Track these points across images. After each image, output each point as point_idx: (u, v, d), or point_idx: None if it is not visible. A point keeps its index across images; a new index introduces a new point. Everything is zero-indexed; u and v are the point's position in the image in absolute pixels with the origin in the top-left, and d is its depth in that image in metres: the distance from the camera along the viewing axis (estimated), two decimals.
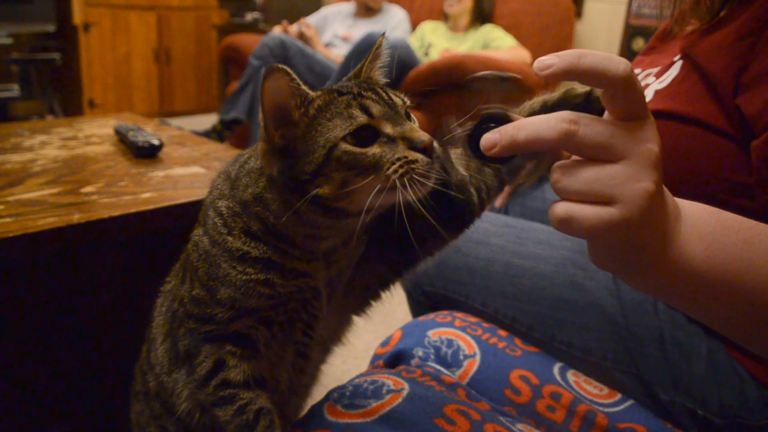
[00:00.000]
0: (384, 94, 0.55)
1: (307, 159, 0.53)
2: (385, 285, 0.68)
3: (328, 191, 0.52)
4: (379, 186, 0.51)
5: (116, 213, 0.92)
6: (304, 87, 0.53)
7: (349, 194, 0.52)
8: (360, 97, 0.54)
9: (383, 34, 0.66)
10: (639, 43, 3.14)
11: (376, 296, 0.69)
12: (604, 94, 0.43)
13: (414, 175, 0.51)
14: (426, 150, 0.52)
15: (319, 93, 0.54)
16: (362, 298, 0.69)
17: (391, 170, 0.51)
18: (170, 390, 0.69)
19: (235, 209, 0.60)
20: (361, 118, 0.52)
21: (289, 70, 0.51)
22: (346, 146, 0.51)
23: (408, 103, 0.57)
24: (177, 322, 0.68)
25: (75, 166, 1.18)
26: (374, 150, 0.52)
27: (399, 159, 0.51)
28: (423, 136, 0.52)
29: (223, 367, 0.62)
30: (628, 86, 0.41)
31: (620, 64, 0.41)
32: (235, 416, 0.60)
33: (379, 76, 0.63)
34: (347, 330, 0.73)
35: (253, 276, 0.59)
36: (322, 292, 0.63)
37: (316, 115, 0.53)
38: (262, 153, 0.56)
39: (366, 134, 0.52)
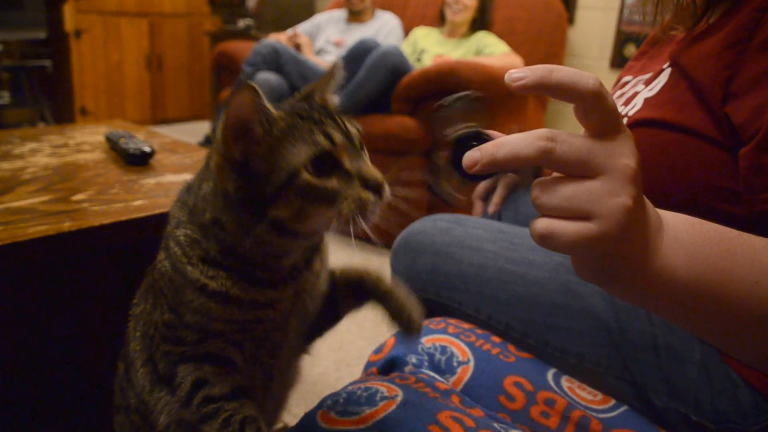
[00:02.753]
0: (341, 123, 0.57)
1: (268, 179, 0.54)
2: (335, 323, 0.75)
3: (286, 215, 0.55)
4: (332, 217, 0.55)
5: (107, 221, 0.91)
6: (270, 106, 0.54)
7: (304, 220, 0.55)
8: (321, 123, 0.55)
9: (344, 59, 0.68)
10: (631, 49, 3.16)
11: (322, 334, 0.75)
12: (576, 110, 0.44)
13: (362, 215, 0.55)
14: (377, 189, 0.55)
15: (282, 114, 0.55)
16: (310, 337, 0.74)
17: (345, 207, 0.54)
18: (152, 407, 0.70)
19: (193, 236, 0.62)
20: (325, 144, 0.54)
21: (259, 89, 0.52)
22: (307, 176, 0.53)
23: (361, 131, 0.60)
24: (154, 346, 0.69)
25: (66, 173, 1.17)
26: (332, 183, 0.54)
27: (354, 199, 0.54)
28: (376, 175, 0.56)
29: (203, 384, 0.64)
30: (599, 100, 0.42)
31: (590, 79, 0.42)
32: (221, 429, 0.62)
33: (332, 99, 0.64)
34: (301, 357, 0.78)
35: (213, 306, 0.61)
36: (287, 322, 0.67)
37: (280, 137, 0.54)
38: (217, 168, 0.57)
39: (326, 163, 0.54)
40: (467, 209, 1.28)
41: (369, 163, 0.57)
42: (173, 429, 0.69)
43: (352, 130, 0.58)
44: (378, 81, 2.77)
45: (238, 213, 0.57)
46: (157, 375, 0.69)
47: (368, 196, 0.55)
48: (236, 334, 0.64)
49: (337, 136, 0.55)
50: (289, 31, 3.42)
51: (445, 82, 2.51)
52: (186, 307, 0.62)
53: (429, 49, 3.18)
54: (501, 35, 3.15)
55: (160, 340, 0.67)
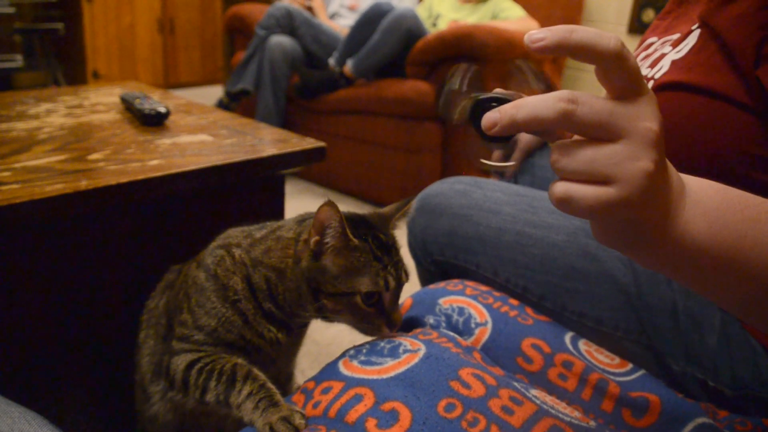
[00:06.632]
0: (401, 272, 0.72)
1: (330, 282, 0.69)
2: None
3: (330, 307, 0.70)
4: (355, 325, 0.72)
5: (124, 180, 0.91)
6: (348, 230, 0.68)
7: (338, 315, 0.71)
8: (385, 269, 0.70)
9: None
10: (649, 15, 3.09)
11: None
12: (597, 71, 0.43)
13: (373, 334, 0.72)
14: (392, 327, 0.71)
15: (358, 243, 0.69)
16: None
17: (367, 327, 0.71)
18: (149, 394, 0.86)
19: (243, 260, 0.76)
20: (380, 288, 0.69)
21: (340, 212, 0.66)
22: (359, 300, 0.69)
23: (408, 279, 0.75)
24: (160, 340, 0.85)
25: (81, 133, 1.17)
26: (369, 311, 0.70)
27: (376, 326, 0.71)
28: (398, 320, 0.72)
29: (196, 362, 0.74)
30: (620, 61, 0.41)
31: (611, 40, 0.40)
32: (218, 381, 0.70)
33: (399, 228, 0.78)
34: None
35: (232, 318, 0.75)
36: (276, 362, 0.82)
37: (357, 266, 0.69)
38: (304, 243, 0.71)
39: (374, 296, 0.70)
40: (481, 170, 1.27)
41: (399, 309, 0.73)
42: (162, 415, 0.84)
43: (404, 279, 0.73)
44: (392, 45, 2.73)
45: (299, 279, 0.71)
46: (158, 367, 0.82)
47: (385, 330, 0.71)
48: (241, 342, 0.76)
49: (392, 283, 0.70)
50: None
51: (461, 46, 2.48)
52: (204, 310, 0.75)
53: (444, 14, 3.12)
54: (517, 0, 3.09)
55: (170, 335, 0.80)
